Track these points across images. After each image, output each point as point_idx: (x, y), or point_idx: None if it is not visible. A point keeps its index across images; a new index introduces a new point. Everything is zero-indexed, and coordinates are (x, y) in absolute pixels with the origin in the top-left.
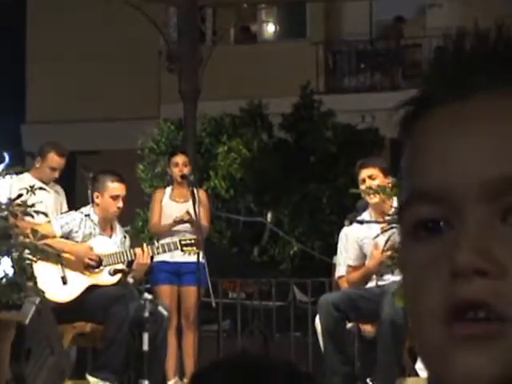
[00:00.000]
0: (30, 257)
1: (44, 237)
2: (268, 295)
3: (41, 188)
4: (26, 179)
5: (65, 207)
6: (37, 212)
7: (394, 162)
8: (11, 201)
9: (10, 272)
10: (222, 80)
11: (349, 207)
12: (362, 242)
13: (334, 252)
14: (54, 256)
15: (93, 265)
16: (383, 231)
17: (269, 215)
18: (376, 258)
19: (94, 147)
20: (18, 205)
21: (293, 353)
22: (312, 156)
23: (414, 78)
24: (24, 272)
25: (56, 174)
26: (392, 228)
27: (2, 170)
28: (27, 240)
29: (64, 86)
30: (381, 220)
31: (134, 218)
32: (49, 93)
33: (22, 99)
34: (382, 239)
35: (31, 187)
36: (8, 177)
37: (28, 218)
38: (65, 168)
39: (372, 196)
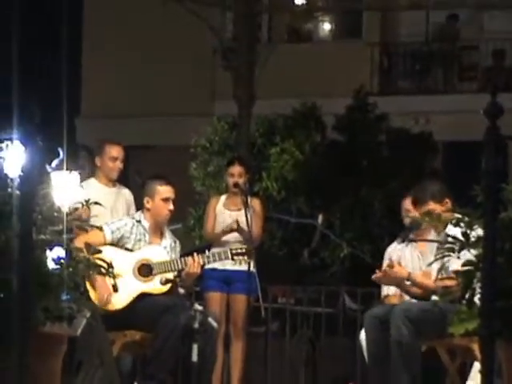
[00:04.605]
0: (83, 273)
1: (96, 251)
2: (317, 301)
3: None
4: (92, 185)
5: (133, 211)
6: (91, 226)
7: (447, 170)
8: (68, 214)
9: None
10: (275, 79)
11: (400, 211)
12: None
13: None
14: (107, 270)
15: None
16: (436, 259)
17: (320, 218)
18: (426, 287)
19: (147, 142)
20: (74, 219)
21: (341, 359)
22: (364, 159)
23: (471, 81)
24: (77, 287)
25: (119, 164)
26: (444, 256)
27: (57, 165)
28: (81, 254)
29: (119, 81)
30: (433, 239)
31: (186, 217)
32: (104, 87)
33: (77, 92)
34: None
35: (86, 201)
36: (75, 173)
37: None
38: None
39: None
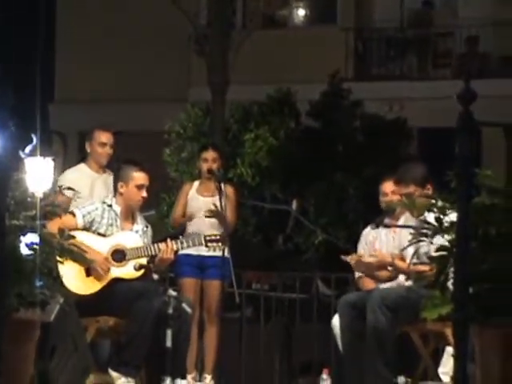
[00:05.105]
0: (57, 258)
1: (70, 236)
2: (292, 287)
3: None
4: (80, 170)
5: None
6: (66, 211)
7: (422, 156)
8: (43, 199)
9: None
10: (250, 65)
11: (375, 197)
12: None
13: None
14: (80, 256)
15: (98, 274)
16: (410, 243)
17: (294, 203)
18: (400, 269)
19: (121, 128)
20: (46, 204)
21: (315, 344)
22: (339, 145)
23: (445, 67)
24: (50, 273)
25: (108, 150)
26: (420, 241)
27: (30, 151)
28: (54, 240)
29: (93, 67)
30: (407, 225)
31: (160, 203)
32: (78, 73)
33: (51, 79)
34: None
35: (59, 187)
36: (49, 159)
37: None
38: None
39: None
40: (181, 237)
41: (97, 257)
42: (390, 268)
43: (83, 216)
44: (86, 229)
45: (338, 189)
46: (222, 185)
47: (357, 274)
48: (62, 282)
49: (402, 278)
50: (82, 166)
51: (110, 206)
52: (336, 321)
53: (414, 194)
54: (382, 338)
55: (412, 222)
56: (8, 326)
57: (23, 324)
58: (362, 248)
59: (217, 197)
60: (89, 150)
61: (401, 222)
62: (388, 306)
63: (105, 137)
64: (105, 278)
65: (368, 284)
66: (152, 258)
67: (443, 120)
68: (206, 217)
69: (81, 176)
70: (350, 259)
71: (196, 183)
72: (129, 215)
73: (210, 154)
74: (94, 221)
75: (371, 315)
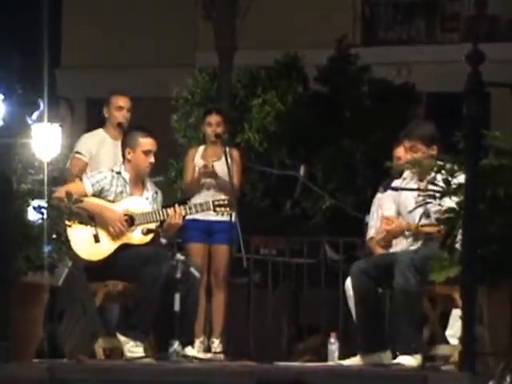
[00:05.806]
0: (65, 222)
1: (77, 200)
2: (299, 252)
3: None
4: (101, 135)
5: None
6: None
7: (431, 117)
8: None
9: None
10: (256, 30)
11: (382, 162)
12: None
13: (367, 207)
14: (88, 219)
15: (119, 232)
16: (418, 205)
17: (302, 169)
18: (406, 228)
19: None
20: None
21: (323, 309)
22: (347, 110)
23: (453, 31)
24: (59, 237)
25: (125, 114)
26: (427, 203)
27: (37, 117)
28: (62, 204)
29: (100, 32)
30: (415, 188)
31: (167, 169)
32: (84, 38)
33: (58, 44)
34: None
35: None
36: (56, 125)
37: None
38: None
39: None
40: (189, 202)
41: (112, 215)
42: (406, 233)
43: (92, 185)
44: (96, 196)
45: (346, 154)
46: (228, 149)
47: (368, 235)
48: (70, 246)
49: (404, 243)
50: (100, 131)
51: (119, 173)
52: (349, 283)
53: (419, 149)
54: (413, 299)
55: (413, 182)
56: (16, 289)
57: (31, 287)
58: (375, 211)
59: (222, 160)
60: (107, 115)
61: (399, 180)
62: (416, 266)
63: (122, 101)
64: (117, 239)
65: (378, 250)
66: (160, 224)
67: (451, 84)
68: (201, 175)
69: (98, 141)
70: (378, 240)
71: (201, 148)
72: (138, 182)
73: (213, 118)
74: (103, 189)
75: (400, 277)
